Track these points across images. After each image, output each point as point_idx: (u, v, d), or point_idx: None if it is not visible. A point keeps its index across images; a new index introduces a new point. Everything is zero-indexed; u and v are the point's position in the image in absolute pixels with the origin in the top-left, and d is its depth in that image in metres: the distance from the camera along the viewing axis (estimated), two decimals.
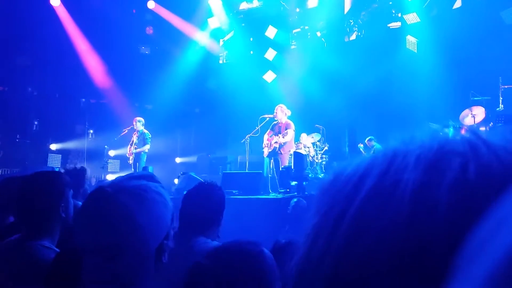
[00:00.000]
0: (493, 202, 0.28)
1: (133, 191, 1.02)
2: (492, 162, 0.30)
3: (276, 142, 8.35)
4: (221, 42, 12.80)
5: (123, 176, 1.10)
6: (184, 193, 2.37)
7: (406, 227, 0.29)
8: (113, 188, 1.02)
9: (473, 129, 0.33)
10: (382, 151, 0.35)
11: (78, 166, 3.36)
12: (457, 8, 9.54)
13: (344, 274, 0.30)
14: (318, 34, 11.70)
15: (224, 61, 12.94)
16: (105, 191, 1.01)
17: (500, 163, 0.30)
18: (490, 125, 7.75)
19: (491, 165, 0.30)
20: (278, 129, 8.44)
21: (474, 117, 7.75)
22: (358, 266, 0.30)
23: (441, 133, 0.34)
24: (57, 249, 1.75)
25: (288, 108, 8.58)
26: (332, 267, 0.31)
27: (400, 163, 0.32)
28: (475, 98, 8.01)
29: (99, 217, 1.00)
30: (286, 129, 8.33)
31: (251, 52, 12.32)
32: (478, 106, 7.88)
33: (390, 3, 10.64)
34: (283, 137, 8.28)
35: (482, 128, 7.84)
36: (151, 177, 1.10)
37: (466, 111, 7.91)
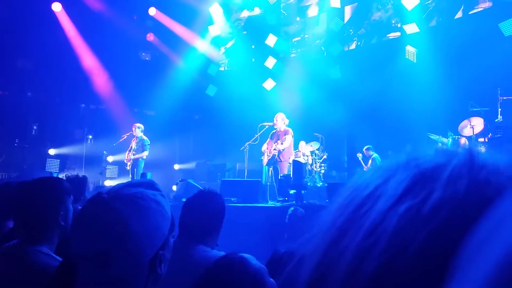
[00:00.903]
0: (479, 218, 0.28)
1: (129, 199, 1.01)
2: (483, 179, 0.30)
3: (275, 149, 8.36)
4: (223, 49, 12.85)
5: (122, 183, 1.09)
6: (183, 200, 2.36)
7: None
8: (110, 195, 1.02)
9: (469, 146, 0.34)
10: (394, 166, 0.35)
11: (80, 174, 3.38)
12: (457, 19, 9.61)
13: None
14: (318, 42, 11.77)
15: (226, 69, 12.98)
16: (101, 197, 1.01)
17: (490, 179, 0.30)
18: (489, 136, 7.77)
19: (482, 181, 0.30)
20: (277, 137, 8.46)
21: (473, 128, 7.76)
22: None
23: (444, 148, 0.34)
24: (55, 256, 1.75)
25: (287, 116, 8.60)
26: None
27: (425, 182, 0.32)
28: (474, 109, 8.03)
29: (93, 223, 0.99)
30: (284, 135, 8.37)
31: (253, 60, 12.36)
32: (477, 117, 7.90)
33: (390, 13, 10.71)
34: (281, 143, 8.30)
35: (481, 139, 7.86)
36: (151, 185, 1.09)
37: (465, 121, 7.93)
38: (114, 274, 0.98)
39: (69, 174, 3.35)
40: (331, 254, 0.33)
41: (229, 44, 12.68)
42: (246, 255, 1.40)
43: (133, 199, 1.02)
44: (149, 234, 1.01)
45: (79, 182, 3.21)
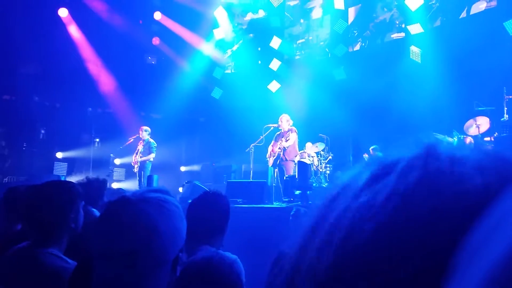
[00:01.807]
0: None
1: (155, 202, 1.05)
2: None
3: (279, 148, 8.41)
4: (229, 52, 12.89)
5: (142, 189, 1.12)
6: (189, 202, 2.39)
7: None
8: (136, 197, 1.04)
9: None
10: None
11: (101, 177, 3.32)
12: (461, 19, 9.58)
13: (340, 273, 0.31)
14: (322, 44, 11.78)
15: (232, 71, 13.01)
16: (128, 199, 1.04)
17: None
18: (495, 135, 7.74)
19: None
20: (281, 138, 8.53)
21: (478, 127, 7.73)
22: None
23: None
24: (65, 257, 1.79)
25: (292, 117, 8.64)
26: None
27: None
28: (480, 108, 7.99)
29: (120, 224, 1.01)
30: (289, 134, 8.43)
31: (259, 62, 12.37)
32: (482, 116, 7.86)
33: (394, 14, 10.71)
34: (285, 141, 8.35)
35: (487, 138, 7.83)
36: (166, 192, 1.13)
37: (471, 121, 7.90)
38: (139, 274, 1.00)
39: (89, 177, 3.31)
40: (302, 252, 0.34)
41: (235, 47, 12.72)
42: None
43: (158, 202, 1.05)
44: (173, 236, 1.04)
45: (99, 186, 3.19)
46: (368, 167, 0.35)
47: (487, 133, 7.86)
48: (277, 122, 8.58)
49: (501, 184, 0.30)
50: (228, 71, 13.01)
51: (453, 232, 0.28)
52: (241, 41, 12.61)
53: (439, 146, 0.34)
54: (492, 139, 7.70)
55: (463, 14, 9.61)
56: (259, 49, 12.47)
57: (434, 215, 0.29)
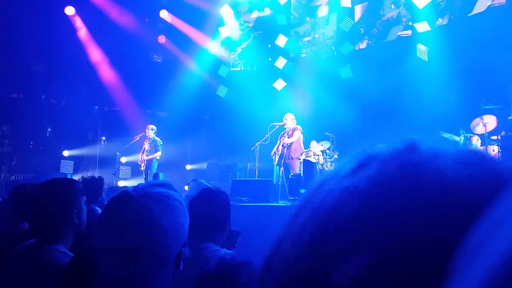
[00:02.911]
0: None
1: (158, 197, 1.04)
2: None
3: (283, 146, 8.42)
4: (239, 50, 12.87)
5: (144, 183, 1.12)
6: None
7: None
8: (138, 193, 1.04)
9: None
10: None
11: (96, 175, 3.43)
12: (468, 17, 9.52)
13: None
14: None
15: (242, 68, 12.97)
16: (130, 194, 1.03)
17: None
18: (502, 133, 7.69)
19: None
20: (284, 136, 8.55)
21: (485, 125, 7.67)
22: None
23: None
24: (71, 254, 1.80)
25: (298, 115, 8.65)
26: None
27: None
28: (487, 107, 7.93)
29: (123, 219, 1.01)
30: (293, 131, 8.44)
31: (270, 59, 12.32)
32: (489, 115, 7.80)
33: (401, 11, 10.65)
34: (288, 138, 8.38)
35: (494, 137, 7.78)
36: (170, 186, 1.13)
37: (477, 119, 7.84)
38: (142, 269, 1.00)
39: (85, 176, 3.40)
40: (283, 237, 0.36)
41: (244, 45, 12.72)
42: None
43: (161, 197, 1.04)
44: (176, 231, 1.04)
45: (96, 183, 3.26)
46: (355, 157, 0.37)
47: (494, 131, 7.80)
48: (282, 121, 8.58)
49: (477, 178, 0.32)
50: (238, 69, 12.97)
51: (424, 217, 0.30)
52: (251, 39, 12.61)
53: (420, 142, 0.36)
54: (499, 138, 7.64)
55: (471, 12, 9.53)
56: (270, 45, 12.40)
57: (406, 201, 0.31)
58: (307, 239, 0.33)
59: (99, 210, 2.81)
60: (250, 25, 12.80)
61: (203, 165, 12.30)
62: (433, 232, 0.29)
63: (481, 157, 0.34)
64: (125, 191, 1.06)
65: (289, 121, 8.49)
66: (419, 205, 0.31)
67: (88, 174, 4.41)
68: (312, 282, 0.31)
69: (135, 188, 1.07)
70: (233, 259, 1.64)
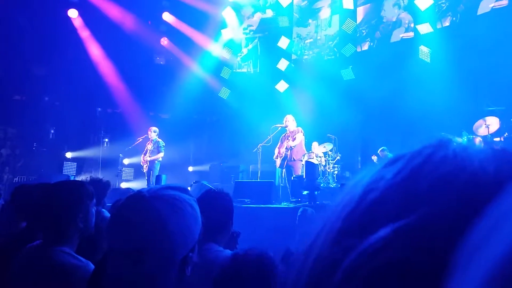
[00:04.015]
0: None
1: (169, 200, 1.05)
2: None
3: (286, 148, 8.42)
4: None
5: (160, 186, 1.13)
6: None
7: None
8: (150, 194, 1.05)
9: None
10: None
11: (104, 179, 3.44)
12: (471, 18, 9.51)
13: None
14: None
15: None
16: (142, 195, 1.05)
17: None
18: (505, 135, 7.67)
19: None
20: (287, 139, 8.55)
21: (488, 127, 7.67)
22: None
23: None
24: (77, 255, 1.81)
25: (300, 117, 8.68)
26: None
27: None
28: (489, 108, 7.93)
29: (133, 220, 1.02)
30: (295, 134, 8.44)
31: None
32: (492, 116, 7.80)
33: (403, 13, 10.66)
34: (292, 140, 8.38)
35: (497, 139, 7.76)
36: (185, 190, 1.14)
37: (480, 121, 7.84)
38: (147, 271, 1.01)
39: (94, 177, 3.40)
40: (314, 240, 0.36)
41: (251, 45, 12.72)
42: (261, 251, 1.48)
43: (172, 200, 1.05)
44: (184, 235, 1.04)
45: (103, 186, 3.27)
46: (380, 164, 0.38)
47: (497, 133, 7.79)
48: (283, 123, 8.61)
49: (501, 174, 0.32)
50: (244, 70, 12.94)
51: (446, 209, 0.30)
52: (256, 41, 12.62)
53: (449, 141, 0.36)
54: (502, 139, 7.63)
55: (473, 14, 9.53)
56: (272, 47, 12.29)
57: (432, 192, 0.31)
58: (336, 231, 0.34)
59: (105, 212, 2.83)
60: (253, 27, 12.82)
61: (206, 167, 12.32)
62: (448, 219, 0.30)
63: (504, 155, 0.35)
64: (139, 191, 1.07)
65: (290, 122, 8.51)
66: (437, 195, 0.31)
67: (92, 175, 4.41)
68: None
69: (149, 189, 1.08)
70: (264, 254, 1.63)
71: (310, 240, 0.37)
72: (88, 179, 3.24)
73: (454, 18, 9.89)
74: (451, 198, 0.31)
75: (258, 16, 12.75)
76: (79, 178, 8.61)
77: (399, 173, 0.34)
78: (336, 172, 9.47)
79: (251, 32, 12.82)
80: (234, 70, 12.90)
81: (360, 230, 0.32)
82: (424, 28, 9.75)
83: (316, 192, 7.31)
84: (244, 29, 12.77)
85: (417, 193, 0.32)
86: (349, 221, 0.33)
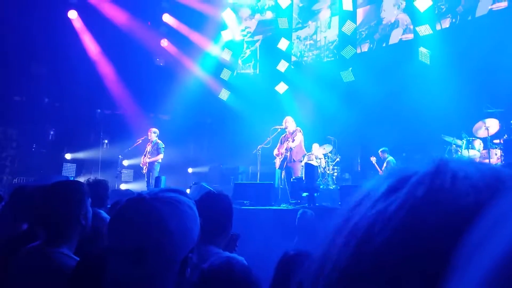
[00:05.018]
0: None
1: (169, 201, 1.06)
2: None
3: (286, 149, 8.42)
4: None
5: (159, 188, 1.14)
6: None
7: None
8: (151, 196, 1.07)
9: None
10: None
11: (101, 179, 3.42)
12: (471, 20, 9.52)
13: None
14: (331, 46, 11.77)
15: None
16: (142, 197, 1.06)
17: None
18: (504, 137, 7.67)
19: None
20: (286, 140, 8.54)
21: (487, 129, 7.66)
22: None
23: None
24: (75, 257, 1.81)
25: (300, 119, 8.67)
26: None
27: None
28: (489, 110, 7.91)
29: (133, 220, 1.03)
30: (295, 134, 8.44)
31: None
32: (491, 118, 7.79)
33: (402, 15, 10.67)
34: (292, 141, 8.37)
35: (496, 141, 7.76)
36: (183, 193, 1.15)
37: (480, 123, 7.83)
38: (147, 271, 1.01)
39: (90, 179, 3.39)
40: (326, 253, 0.38)
41: (254, 47, 12.71)
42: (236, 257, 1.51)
43: (172, 201, 1.06)
44: (184, 235, 1.05)
45: (103, 187, 3.25)
46: (387, 178, 0.39)
47: (496, 135, 7.79)
48: (283, 124, 8.61)
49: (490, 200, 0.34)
50: (248, 71, 12.92)
51: (449, 241, 0.32)
52: (258, 43, 12.63)
53: (448, 163, 0.38)
54: (502, 142, 7.63)
55: (473, 15, 9.54)
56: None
57: (435, 225, 0.33)
58: (347, 264, 0.35)
59: (103, 213, 2.82)
60: (251, 29, 12.82)
61: (205, 168, 12.32)
62: (453, 251, 0.31)
63: (495, 179, 0.36)
64: (139, 193, 1.09)
65: (290, 123, 8.50)
66: (440, 228, 0.33)
67: (91, 177, 4.39)
68: None
69: (149, 191, 1.10)
70: (239, 262, 1.64)
71: (320, 255, 0.39)
72: (91, 180, 3.23)
73: (453, 20, 9.90)
74: (446, 246, 0.32)
75: (257, 17, 12.76)
76: (79, 179, 8.59)
77: (401, 208, 0.35)
78: (335, 173, 9.47)
79: (249, 34, 12.82)
80: (239, 71, 12.87)
81: (371, 277, 0.33)
82: (424, 30, 9.76)
83: (315, 194, 7.30)
84: (242, 30, 12.77)
85: (423, 235, 0.33)
86: (357, 260, 0.35)
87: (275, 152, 8.70)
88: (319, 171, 8.63)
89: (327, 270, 0.37)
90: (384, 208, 0.35)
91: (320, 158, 9.16)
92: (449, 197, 0.34)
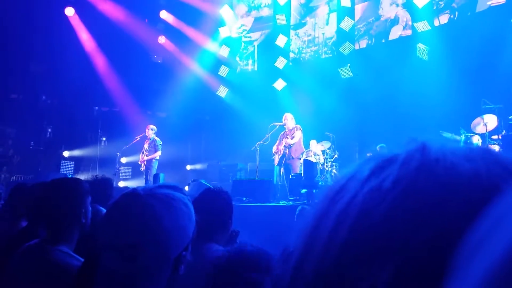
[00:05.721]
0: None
1: (163, 198, 1.05)
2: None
3: (284, 146, 8.42)
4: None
5: (155, 185, 1.13)
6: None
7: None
8: (145, 192, 1.06)
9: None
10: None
11: (104, 176, 3.38)
12: (469, 16, 9.51)
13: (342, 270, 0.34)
14: (329, 43, 11.75)
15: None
16: (136, 193, 1.05)
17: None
18: (503, 133, 7.68)
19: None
20: (285, 136, 8.54)
21: (486, 125, 7.67)
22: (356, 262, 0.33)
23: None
24: (75, 255, 1.80)
25: (298, 115, 8.65)
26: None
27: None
28: (487, 106, 7.92)
29: (127, 216, 1.02)
30: (294, 131, 8.44)
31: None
32: (490, 114, 7.80)
33: (401, 11, 10.65)
34: (291, 138, 8.38)
35: (494, 137, 7.77)
36: (180, 189, 1.14)
37: (478, 119, 7.83)
38: (140, 268, 1.01)
39: (99, 176, 3.34)
40: (311, 236, 0.37)
41: (256, 43, 12.66)
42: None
43: (166, 198, 1.06)
44: (178, 233, 1.04)
45: (109, 185, 3.24)
46: (370, 161, 0.39)
47: (495, 131, 7.80)
48: (282, 121, 8.59)
49: (487, 170, 0.34)
50: (249, 68, 12.87)
51: (452, 207, 0.32)
52: (256, 41, 12.60)
53: (432, 142, 0.38)
54: (500, 137, 7.64)
55: (471, 11, 9.53)
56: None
57: (434, 196, 0.33)
58: (342, 242, 0.34)
59: (103, 211, 2.81)
60: (248, 27, 12.78)
61: (204, 165, 12.31)
62: (449, 229, 0.31)
63: (487, 152, 0.37)
64: (133, 189, 1.08)
65: (289, 120, 8.50)
66: (440, 199, 0.33)
67: (89, 174, 4.38)
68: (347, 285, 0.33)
69: (144, 187, 1.09)
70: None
71: (304, 241, 0.38)
72: (91, 178, 3.20)
73: (452, 16, 9.89)
74: (452, 211, 0.32)
75: (253, 14, 12.73)
76: (79, 177, 8.58)
77: (398, 182, 0.35)
78: (334, 170, 9.47)
79: (244, 32, 12.79)
80: (241, 68, 12.80)
81: (368, 259, 0.33)
82: (422, 26, 9.75)
83: (314, 191, 7.31)
84: (238, 28, 12.74)
85: (420, 213, 0.33)
86: (352, 242, 0.34)
87: (274, 149, 8.69)
88: (317, 167, 8.63)
89: (310, 262, 0.36)
90: (378, 184, 0.35)
91: (318, 155, 9.16)
92: (445, 166, 0.34)
